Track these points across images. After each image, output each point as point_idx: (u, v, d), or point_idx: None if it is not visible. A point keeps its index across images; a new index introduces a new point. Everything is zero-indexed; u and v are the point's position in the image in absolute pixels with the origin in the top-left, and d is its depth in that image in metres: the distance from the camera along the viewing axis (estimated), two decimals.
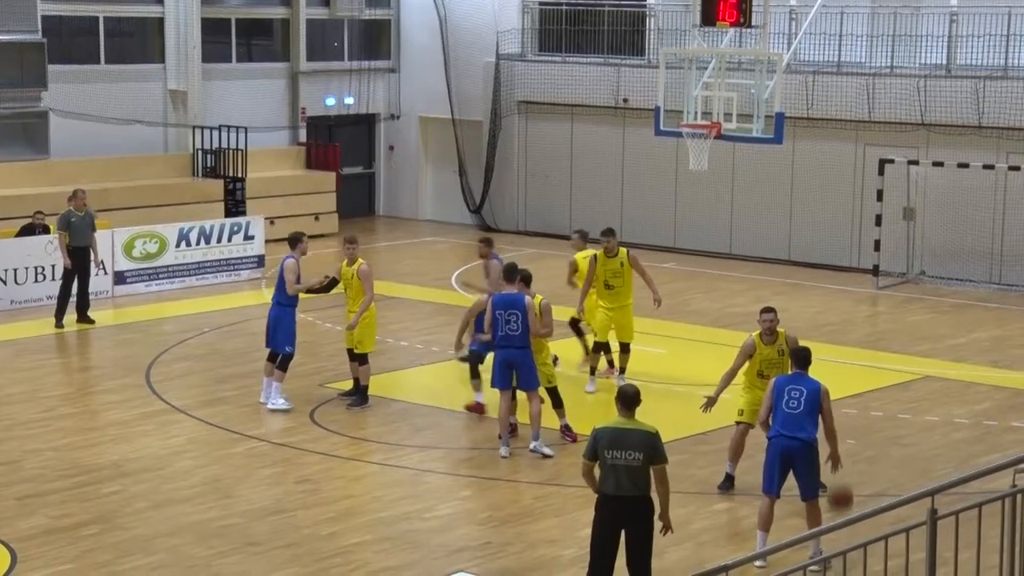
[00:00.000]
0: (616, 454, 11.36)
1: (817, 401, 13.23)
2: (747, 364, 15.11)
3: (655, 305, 19.77)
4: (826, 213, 29.35)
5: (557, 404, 17.10)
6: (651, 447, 11.41)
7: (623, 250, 19.38)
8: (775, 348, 14.97)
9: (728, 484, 15.45)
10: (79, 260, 23.21)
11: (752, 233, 30.37)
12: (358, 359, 18.46)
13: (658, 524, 11.65)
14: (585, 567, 11.80)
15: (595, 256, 19.31)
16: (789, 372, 13.66)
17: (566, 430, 17.08)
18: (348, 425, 17.77)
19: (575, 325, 20.26)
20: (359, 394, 18.54)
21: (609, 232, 19.44)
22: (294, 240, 18.51)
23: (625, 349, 19.71)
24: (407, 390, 19.73)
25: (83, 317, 23.32)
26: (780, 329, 15.15)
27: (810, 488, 13.34)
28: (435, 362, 21.00)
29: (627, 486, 11.38)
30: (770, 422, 13.39)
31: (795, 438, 13.16)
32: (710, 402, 15.28)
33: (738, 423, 15.24)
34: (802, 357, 13.57)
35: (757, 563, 12.82)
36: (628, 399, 11.62)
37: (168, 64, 31.91)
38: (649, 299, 19.99)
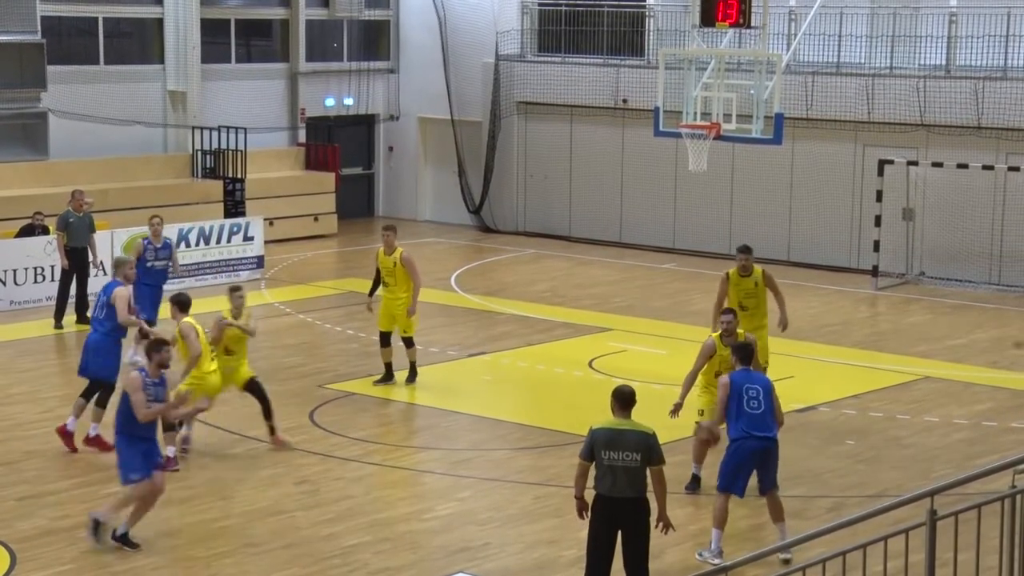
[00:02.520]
0: (613, 455, 11.28)
1: (772, 396, 13.42)
2: (706, 365, 15.25)
3: (780, 328, 18.10)
4: (825, 214, 29.36)
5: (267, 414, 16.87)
6: (648, 448, 11.34)
7: (758, 269, 17.85)
8: (725, 355, 15.03)
9: (695, 485, 15.43)
10: (77, 261, 23.22)
11: (751, 234, 30.27)
12: (406, 342, 19.52)
13: (656, 523, 11.60)
14: (584, 568, 11.80)
15: (727, 275, 17.81)
16: (735, 368, 13.64)
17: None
18: (347, 426, 17.77)
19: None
20: (411, 370, 19.70)
21: (745, 249, 17.84)
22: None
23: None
24: (406, 391, 19.71)
25: (83, 318, 23.32)
26: (740, 331, 15.25)
27: (773, 480, 13.57)
28: (434, 363, 20.99)
29: (623, 487, 11.31)
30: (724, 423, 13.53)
31: (765, 438, 13.29)
32: (676, 407, 15.01)
33: (699, 424, 15.23)
34: (748, 353, 13.67)
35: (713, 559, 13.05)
36: (625, 399, 11.51)
37: (167, 65, 31.91)
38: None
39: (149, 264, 20.61)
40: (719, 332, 15.22)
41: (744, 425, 13.22)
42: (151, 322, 19.77)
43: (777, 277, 27.97)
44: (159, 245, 20.80)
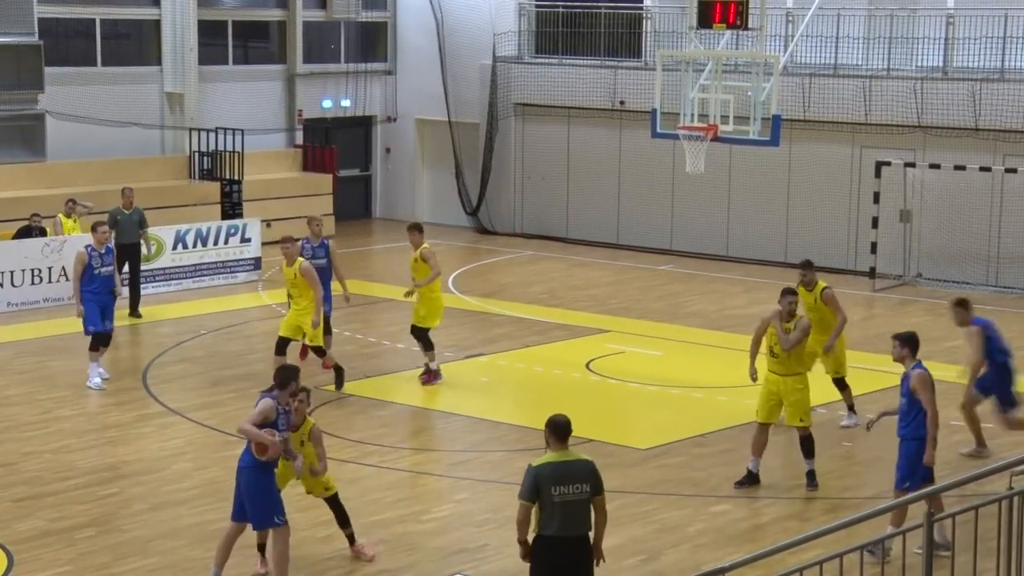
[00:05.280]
0: (564, 489, 10.47)
1: None
2: (763, 339, 15.66)
3: (824, 350, 17.74)
4: (822, 215, 29.37)
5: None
6: (596, 476, 10.68)
7: (821, 284, 17.91)
8: (789, 326, 15.41)
9: (749, 481, 15.61)
10: (128, 256, 23.82)
11: (749, 235, 30.39)
12: (315, 351, 19.46)
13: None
14: None
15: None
16: (905, 361, 13.62)
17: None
18: (344, 428, 17.76)
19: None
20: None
21: (803, 265, 18.15)
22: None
23: (840, 385, 18.14)
24: (403, 393, 19.71)
25: (133, 311, 23.93)
26: (799, 313, 15.67)
27: None
28: None
29: (575, 524, 10.56)
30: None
31: None
32: (752, 373, 15.82)
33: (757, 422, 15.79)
34: (917, 343, 13.65)
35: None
36: (561, 429, 10.67)
37: (165, 66, 31.92)
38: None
39: (96, 271, 19.68)
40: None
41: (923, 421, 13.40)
42: (107, 333, 19.89)
43: (774, 278, 28.33)
44: (103, 251, 19.86)
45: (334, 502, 13.39)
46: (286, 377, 12.67)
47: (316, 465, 13.11)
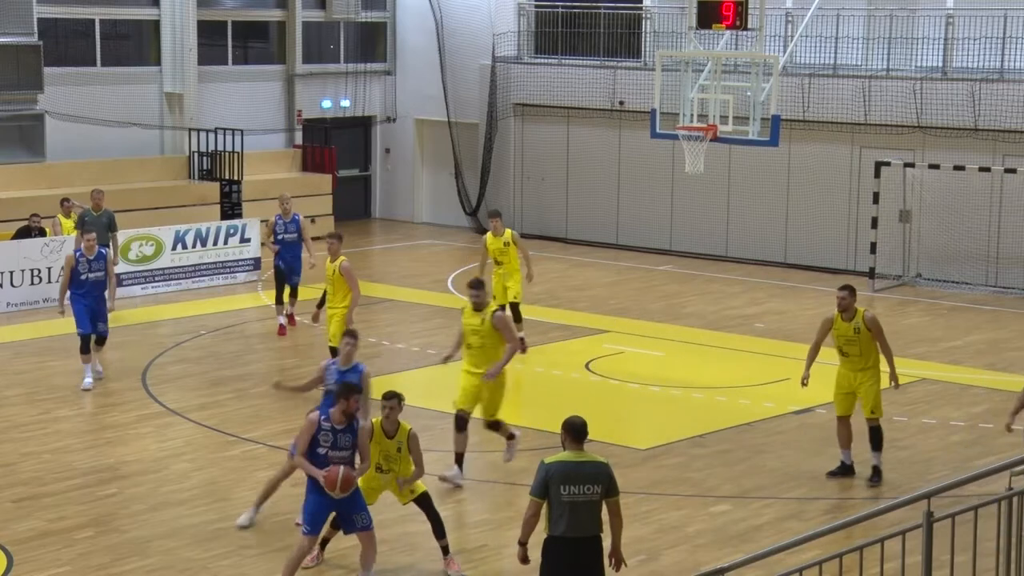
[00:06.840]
0: (574, 489, 10.52)
1: None
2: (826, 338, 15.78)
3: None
4: (822, 216, 29.37)
5: None
6: (609, 478, 10.69)
7: (491, 307, 15.79)
8: (851, 326, 15.48)
9: (841, 472, 15.88)
10: None
11: (748, 236, 30.38)
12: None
13: (609, 559, 10.97)
14: None
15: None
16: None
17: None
18: None
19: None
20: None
21: (474, 283, 15.75)
22: None
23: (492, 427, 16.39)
24: (403, 393, 19.64)
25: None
26: (860, 308, 15.63)
27: None
28: (430, 365, 20.98)
29: (585, 524, 10.58)
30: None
31: None
32: (802, 381, 15.85)
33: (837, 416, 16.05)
34: None
35: None
36: (577, 430, 10.71)
37: (164, 66, 31.91)
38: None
39: (83, 277, 19.49)
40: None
41: None
42: (102, 335, 19.97)
43: (774, 279, 28.35)
44: (92, 256, 19.56)
45: (425, 504, 13.20)
46: (339, 391, 12.50)
47: (408, 475, 13.08)
